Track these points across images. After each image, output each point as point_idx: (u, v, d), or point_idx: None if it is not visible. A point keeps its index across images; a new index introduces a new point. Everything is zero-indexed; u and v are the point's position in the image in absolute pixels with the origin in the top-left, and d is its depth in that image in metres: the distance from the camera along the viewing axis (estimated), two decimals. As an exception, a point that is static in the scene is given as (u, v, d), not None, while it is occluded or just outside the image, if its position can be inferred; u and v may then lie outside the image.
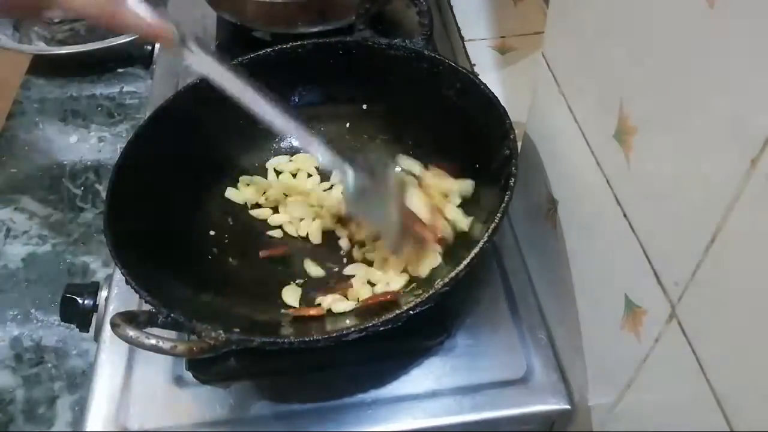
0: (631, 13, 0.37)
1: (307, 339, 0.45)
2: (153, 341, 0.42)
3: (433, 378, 0.54)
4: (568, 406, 0.52)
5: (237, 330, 0.45)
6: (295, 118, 0.52)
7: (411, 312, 0.45)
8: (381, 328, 0.45)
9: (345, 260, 0.59)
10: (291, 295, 0.56)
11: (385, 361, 0.54)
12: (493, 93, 0.55)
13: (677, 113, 0.33)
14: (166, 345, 0.42)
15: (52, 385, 0.68)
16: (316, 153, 0.54)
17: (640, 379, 0.41)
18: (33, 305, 0.74)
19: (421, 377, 0.54)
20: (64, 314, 0.59)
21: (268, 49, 0.63)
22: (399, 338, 0.50)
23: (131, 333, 0.42)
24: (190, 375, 0.54)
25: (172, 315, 0.45)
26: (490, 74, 0.76)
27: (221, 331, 0.44)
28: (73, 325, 0.60)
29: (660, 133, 0.35)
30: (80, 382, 0.67)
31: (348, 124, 0.67)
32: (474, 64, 0.77)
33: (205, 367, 0.54)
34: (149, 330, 0.43)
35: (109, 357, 0.56)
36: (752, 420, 0.31)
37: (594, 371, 0.49)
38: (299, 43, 0.63)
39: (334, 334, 0.45)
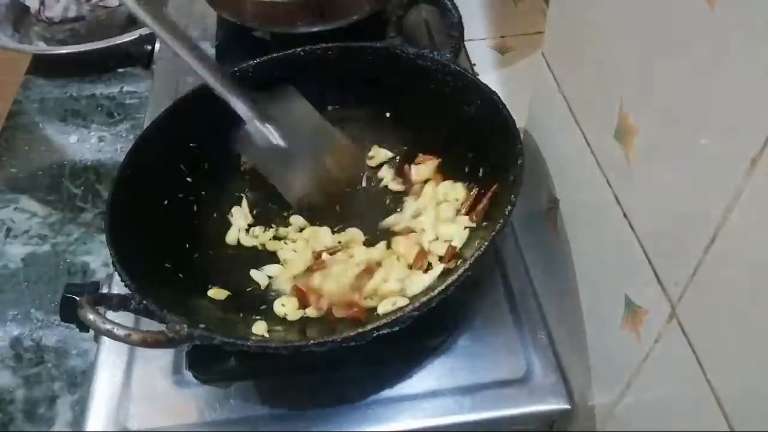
0: (630, 14, 0.37)
1: (264, 345, 0.45)
2: (108, 326, 0.43)
3: (433, 378, 0.54)
4: (568, 406, 0.52)
5: (202, 326, 0.45)
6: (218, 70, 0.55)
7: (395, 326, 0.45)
8: (352, 343, 0.44)
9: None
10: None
11: (385, 361, 0.54)
12: (509, 114, 0.54)
13: (677, 113, 0.33)
14: (121, 332, 0.42)
15: (52, 385, 0.67)
16: (236, 108, 0.58)
17: (640, 379, 0.41)
18: (33, 305, 0.74)
19: (421, 377, 0.54)
20: (64, 314, 0.59)
21: (298, 49, 0.65)
22: (399, 338, 0.49)
23: (90, 316, 0.43)
24: (190, 375, 0.54)
25: (144, 302, 0.45)
26: (490, 74, 0.76)
27: (185, 325, 0.44)
28: (73, 325, 0.60)
29: (660, 133, 0.35)
30: (80, 382, 0.67)
31: (368, 130, 0.67)
32: (474, 64, 0.78)
33: (205, 367, 0.54)
34: (111, 316, 0.44)
35: (109, 357, 0.56)
36: (752, 420, 0.31)
37: (594, 371, 0.49)
38: (329, 45, 0.64)
39: (296, 343, 0.45)
